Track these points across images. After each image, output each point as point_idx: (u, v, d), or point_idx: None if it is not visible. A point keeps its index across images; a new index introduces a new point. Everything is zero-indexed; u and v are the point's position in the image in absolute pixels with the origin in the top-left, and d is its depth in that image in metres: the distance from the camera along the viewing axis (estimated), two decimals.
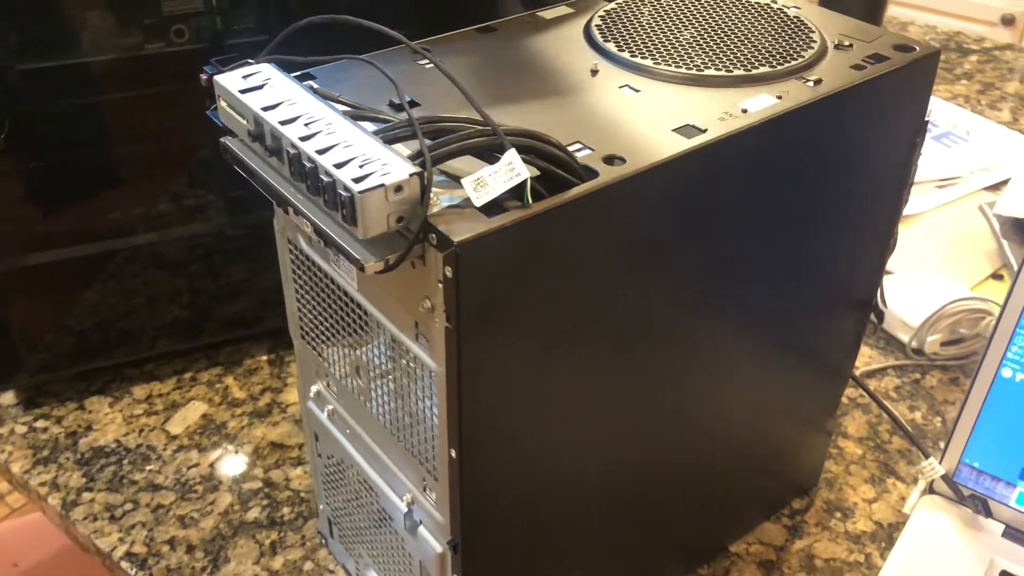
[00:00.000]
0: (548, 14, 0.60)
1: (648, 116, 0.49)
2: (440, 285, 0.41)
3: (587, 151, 0.46)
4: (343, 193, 0.39)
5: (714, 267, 0.52)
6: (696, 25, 0.57)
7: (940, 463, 0.72)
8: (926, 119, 0.58)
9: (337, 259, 0.50)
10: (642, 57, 0.54)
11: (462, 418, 0.44)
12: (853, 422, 0.82)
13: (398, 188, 0.39)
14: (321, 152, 0.40)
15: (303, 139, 0.41)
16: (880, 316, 0.66)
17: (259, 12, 0.82)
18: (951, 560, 0.68)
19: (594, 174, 0.44)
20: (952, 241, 1.01)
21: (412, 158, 0.41)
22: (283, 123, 0.42)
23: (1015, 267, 0.95)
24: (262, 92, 0.45)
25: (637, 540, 0.62)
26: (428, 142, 0.41)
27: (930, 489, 0.73)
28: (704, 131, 0.47)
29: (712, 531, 0.69)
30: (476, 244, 0.40)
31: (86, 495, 0.74)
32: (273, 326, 0.89)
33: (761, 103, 0.50)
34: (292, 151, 0.41)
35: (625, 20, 0.58)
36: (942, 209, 1.07)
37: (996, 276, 0.98)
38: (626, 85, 0.52)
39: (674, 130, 0.47)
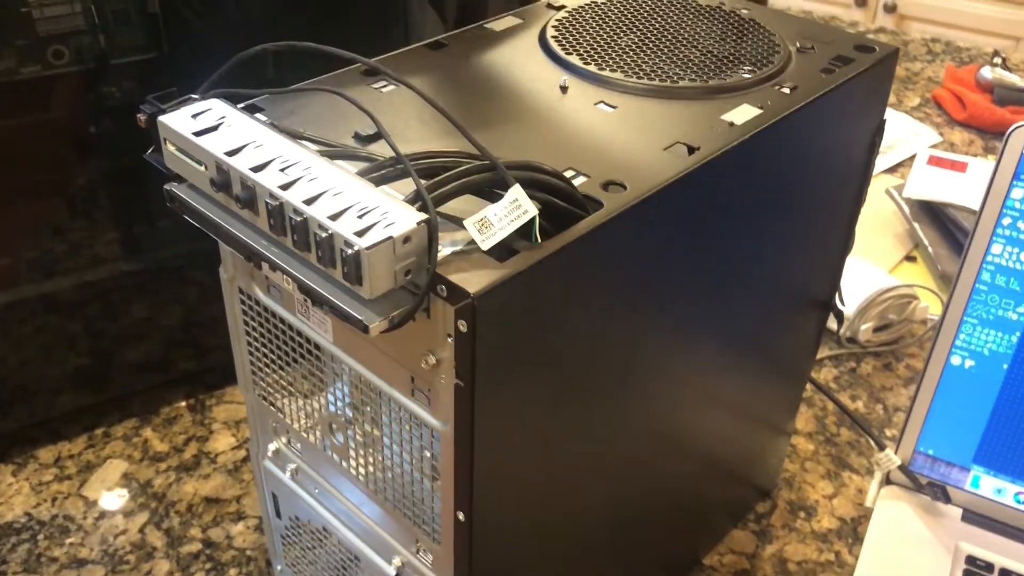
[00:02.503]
0: (496, 26, 0.56)
1: (633, 134, 0.46)
2: (449, 340, 0.37)
3: (583, 178, 0.42)
4: (345, 250, 0.34)
5: (703, 285, 0.50)
6: (655, 33, 0.54)
7: (895, 453, 0.73)
8: (884, 117, 0.58)
9: (306, 311, 0.45)
10: (611, 70, 0.51)
11: (473, 480, 0.40)
12: (800, 417, 0.82)
13: (406, 239, 0.35)
14: (309, 202, 0.36)
15: (283, 187, 0.36)
16: (840, 317, 0.66)
17: (149, 27, 0.75)
18: (919, 551, 0.68)
19: (598, 205, 0.41)
20: (864, 226, 1.03)
21: (410, 201, 0.37)
22: (255, 169, 0.37)
23: (928, 248, 0.98)
24: (219, 133, 0.40)
25: (623, 568, 0.60)
26: (423, 182, 0.37)
27: (887, 480, 0.74)
28: (697, 148, 0.45)
29: (687, 546, 0.68)
30: (493, 294, 0.36)
31: None
32: (187, 369, 0.82)
33: (745, 114, 0.48)
34: (272, 202, 0.36)
35: (580, 30, 0.55)
36: None
37: (909, 258, 1.00)
38: (601, 101, 0.49)
39: (665, 148, 0.45)
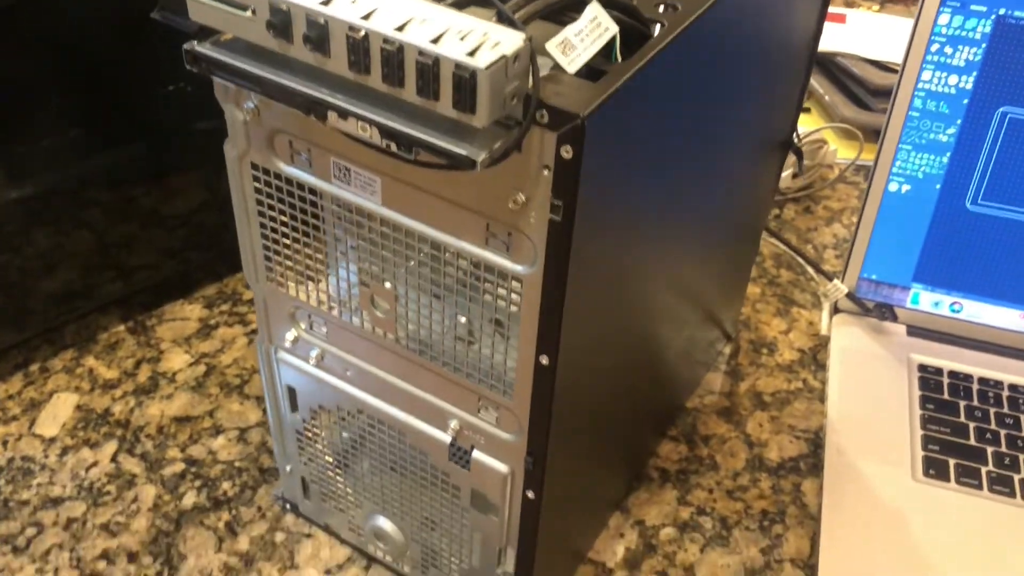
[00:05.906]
0: None
1: None
2: (545, 172, 0.36)
3: None
4: (460, 73, 0.32)
5: (720, 121, 0.50)
6: None
7: (842, 283, 0.77)
8: None
9: (346, 175, 0.42)
10: None
11: (563, 320, 0.40)
12: None
13: (516, 58, 0.33)
14: (399, 29, 0.33)
15: (364, 18, 0.34)
16: (800, 154, 0.68)
17: None
18: (878, 366, 0.74)
19: (659, 23, 0.40)
20: None
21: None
22: (323, 3, 0.34)
23: (825, 96, 1.02)
24: None
25: (627, 416, 0.61)
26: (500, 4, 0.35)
27: (836, 309, 0.78)
28: None
29: (673, 393, 0.70)
30: (600, 115, 0.35)
31: None
32: (115, 292, 0.76)
33: None
34: (354, 35, 0.33)
35: None
36: None
37: (803, 109, 1.04)
38: None
39: None
